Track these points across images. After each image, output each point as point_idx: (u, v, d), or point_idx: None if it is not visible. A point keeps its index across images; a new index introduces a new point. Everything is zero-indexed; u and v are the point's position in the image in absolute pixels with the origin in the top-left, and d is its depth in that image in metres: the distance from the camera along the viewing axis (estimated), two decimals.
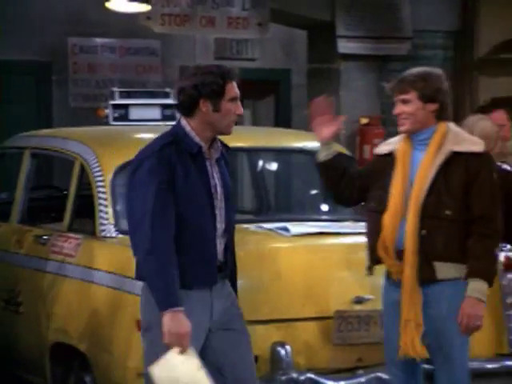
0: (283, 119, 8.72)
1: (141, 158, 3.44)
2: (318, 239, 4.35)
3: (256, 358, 3.91)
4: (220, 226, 3.48)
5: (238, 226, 4.62)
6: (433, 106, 3.75)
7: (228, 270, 3.54)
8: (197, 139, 3.49)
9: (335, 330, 4.04)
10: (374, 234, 3.75)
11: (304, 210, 5.27)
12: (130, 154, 4.75)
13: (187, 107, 3.46)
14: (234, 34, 7.53)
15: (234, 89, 3.46)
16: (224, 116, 3.47)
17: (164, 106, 5.55)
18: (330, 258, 4.16)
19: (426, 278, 3.71)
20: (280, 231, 4.36)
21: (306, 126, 7.83)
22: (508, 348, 4.46)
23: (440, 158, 3.72)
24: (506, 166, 5.14)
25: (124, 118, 5.45)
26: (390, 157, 3.81)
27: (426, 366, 3.87)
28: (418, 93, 3.73)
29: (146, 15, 7.06)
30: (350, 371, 4.01)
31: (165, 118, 5.51)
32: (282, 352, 3.88)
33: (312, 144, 5.37)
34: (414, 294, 3.69)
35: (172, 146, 3.45)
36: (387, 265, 3.73)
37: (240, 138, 5.30)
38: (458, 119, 6.76)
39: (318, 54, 7.69)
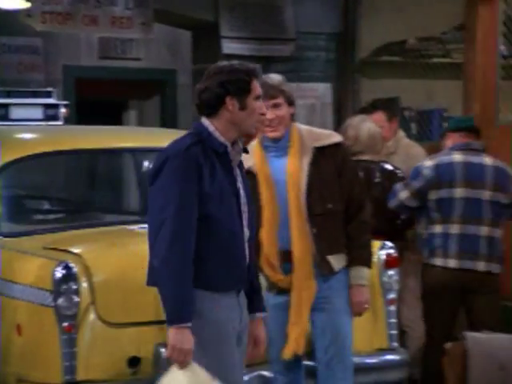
0: (169, 119, 8.71)
1: (165, 157, 3.25)
2: None
3: (139, 360, 3.91)
4: (245, 230, 3.35)
5: (122, 227, 4.66)
6: (293, 109, 3.87)
7: (248, 278, 3.40)
8: (222, 139, 3.33)
9: None
10: (257, 255, 3.74)
11: None
12: (11, 155, 4.70)
13: (212, 106, 3.30)
14: (117, 33, 7.47)
15: (258, 86, 3.34)
16: (249, 115, 3.32)
17: (46, 106, 5.47)
18: None
19: (326, 273, 3.82)
20: None
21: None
22: (388, 343, 4.60)
23: (308, 157, 3.81)
24: (387, 166, 5.32)
25: (4, 117, 5.35)
26: (248, 175, 3.74)
27: (307, 363, 3.95)
28: (284, 97, 3.82)
29: (27, 12, 6.92)
30: None
31: (47, 118, 5.43)
32: (165, 353, 3.87)
33: None
34: (303, 295, 3.78)
35: (199, 145, 3.29)
36: (275, 280, 3.80)
37: (125, 139, 5.29)
38: (341, 120, 6.94)
39: (202, 55, 7.71)
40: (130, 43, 8.38)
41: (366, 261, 3.93)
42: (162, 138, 5.40)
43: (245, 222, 3.33)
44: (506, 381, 2.92)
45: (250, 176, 3.78)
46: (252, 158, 3.84)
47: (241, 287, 3.34)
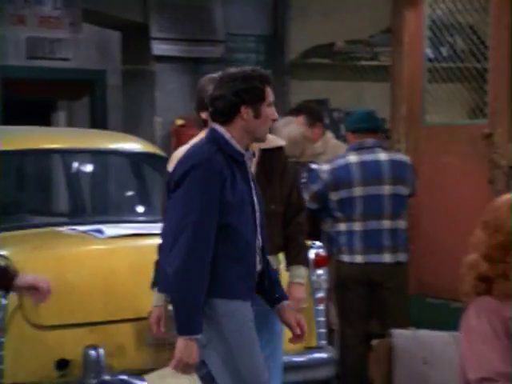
0: (99, 120, 8.65)
1: (189, 167, 3.26)
2: (132, 241, 4.37)
3: (67, 362, 3.90)
4: (259, 238, 3.38)
5: (51, 229, 4.63)
6: None
7: (266, 273, 3.47)
8: (238, 147, 3.35)
9: (150, 331, 4.07)
10: None
11: (119, 212, 5.27)
12: None
13: (226, 114, 3.32)
14: (45, 33, 7.42)
15: (271, 93, 3.37)
16: (263, 122, 3.36)
17: None
18: (144, 258, 4.18)
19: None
20: (94, 233, 4.35)
21: (122, 127, 7.82)
22: (316, 341, 4.68)
23: (255, 158, 3.85)
24: (314, 166, 5.42)
25: None
26: None
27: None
28: None
29: None
30: None
31: None
32: (94, 355, 3.87)
33: (127, 145, 5.41)
34: None
35: (220, 154, 3.29)
36: None
37: (54, 140, 5.26)
38: None
39: (132, 55, 7.70)
40: (58, 43, 8.29)
41: (304, 260, 4.03)
42: (92, 139, 5.42)
43: (259, 230, 3.38)
44: (429, 374, 3.02)
45: None
46: None
47: (254, 296, 3.40)
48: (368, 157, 5.12)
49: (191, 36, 7.47)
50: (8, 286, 3.36)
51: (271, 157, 3.92)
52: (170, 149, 7.61)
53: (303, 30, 7.45)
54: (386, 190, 5.09)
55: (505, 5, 5.27)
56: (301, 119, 5.64)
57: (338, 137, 6.76)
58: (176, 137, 7.70)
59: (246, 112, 3.31)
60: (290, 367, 4.21)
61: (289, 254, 3.99)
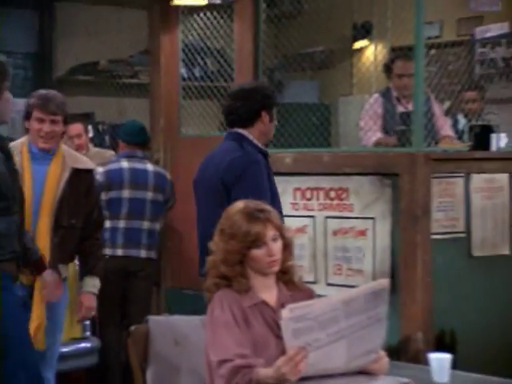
0: None
1: (246, 164, 3.67)
2: None
3: None
4: None
5: None
6: (65, 128, 4.24)
7: None
8: (260, 146, 3.79)
9: None
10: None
11: None
12: None
13: (249, 119, 3.77)
14: None
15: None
16: (272, 125, 3.85)
17: None
18: None
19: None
20: None
21: None
22: (81, 332, 5.05)
23: (66, 174, 4.17)
24: None
25: None
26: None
27: None
28: (63, 116, 4.19)
29: None
30: None
31: None
32: None
33: None
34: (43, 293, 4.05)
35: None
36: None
37: None
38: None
39: None
40: None
41: (100, 272, 4.36)
42: None
43: None
44: (180, 353, 3.21)
45: (15, 172, 3.94)
46: (18, 155, 4.07)
47: None
48: (138, 165, 5.70)
49: None
50: (38, 274, 3.79)
51: (80, 176, 4.20)
52: None
53: (69, 48, 7.60)
54: (149, 195, 5.70)
55: (246, 33, 5.92)
56: (77, 127, 6.05)
57: (104, 146, 7.19)
58: None
59: (265, 116, 3.85)
60: (59, 357, 4.39)
61: (86, 265, 4.29)
